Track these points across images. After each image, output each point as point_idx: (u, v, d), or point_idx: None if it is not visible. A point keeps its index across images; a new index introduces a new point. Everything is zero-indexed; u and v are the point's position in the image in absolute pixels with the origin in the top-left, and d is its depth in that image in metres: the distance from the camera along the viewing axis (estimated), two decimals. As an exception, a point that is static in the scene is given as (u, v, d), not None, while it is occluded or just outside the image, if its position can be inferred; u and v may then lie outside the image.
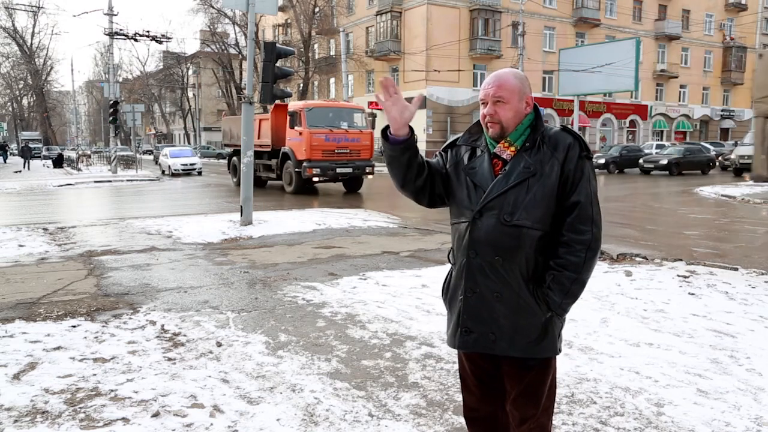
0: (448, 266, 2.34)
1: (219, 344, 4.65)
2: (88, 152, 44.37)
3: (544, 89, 43.61)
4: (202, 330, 5.00)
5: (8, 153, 46.25)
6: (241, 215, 10.82)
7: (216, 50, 49.37)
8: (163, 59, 66.54)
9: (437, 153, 2.37)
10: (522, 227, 2.05)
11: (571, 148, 2.09)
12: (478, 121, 2.25)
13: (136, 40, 30.29)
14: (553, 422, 3.34)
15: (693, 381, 3.88)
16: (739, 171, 26.30)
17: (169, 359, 4.32)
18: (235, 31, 47.17)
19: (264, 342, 4.71)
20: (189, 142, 65.89)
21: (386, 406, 3.56)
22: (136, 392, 3.72)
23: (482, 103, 2.18)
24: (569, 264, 2.06)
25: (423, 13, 39.01)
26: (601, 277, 6.81)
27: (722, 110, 55.20)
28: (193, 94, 68.29)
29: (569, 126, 2.36)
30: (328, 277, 6.95)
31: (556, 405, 3.55)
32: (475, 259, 2.10)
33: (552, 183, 2.06)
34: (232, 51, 48.30)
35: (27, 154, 37.55)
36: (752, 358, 4.28)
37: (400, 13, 40.92)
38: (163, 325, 5.11)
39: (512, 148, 2.12)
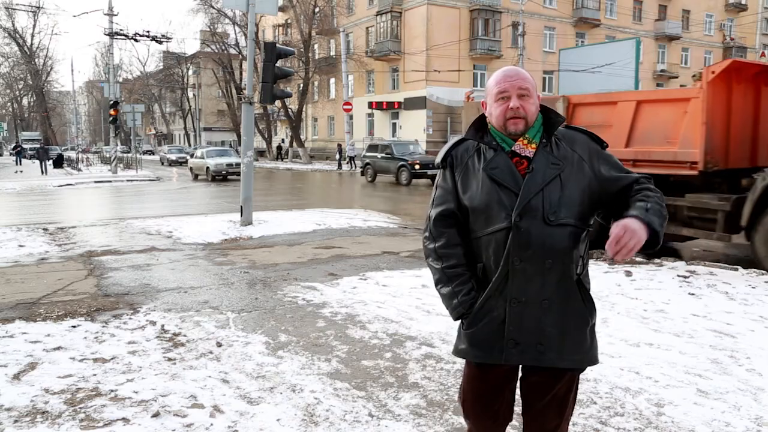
0: None
1: (219, 344, 4.65)
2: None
3: (544, 89, 43.56)
4: (202, 330, 5.00)
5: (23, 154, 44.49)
6: (241, 215, 10.82)
7: (216, 50, 49.32)
8: (163, 59, 66.54)
9: (441, 166, 2.13)
10: (568, 225, 1.95)
11: (590, 144, 2.07)
12: (480, 117, 2.14)
13: (136, 41, 30.30)
14: (554, 422, 3.34)
15: (693, 381, 3.88)
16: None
17: (169, 359, 4.32)
18: (235, 31, 47.16)
19: (264, 342, 4.71)
20: (189, 143, 65.84)
21: (386, 407, 3.56)
22: (136, 392, 3.72)
23: (502, 98, 2.01)
24: (651, 196, 1.97)
25: (423, 14, 38.98)
26: (602, 277, 6.81)
27: (722, 110, 55.10)
28: (193, 95, 68.26)
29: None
30: (328, 278, 6.95)
31: (556, 405, 3.56)
32: (520, 266, 1.94)
33: (586, 180, 2.00)
34: (233, 51, 48.25)
35: (43, 156, 35.24)
36: (752, 358, 4.28)
37: (400, 13, 40.89)
38: (163, 326, 5.11)
39: (533, 145, 2.00)
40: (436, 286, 2.13)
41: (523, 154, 2.00)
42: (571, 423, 3.31)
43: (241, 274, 7.22)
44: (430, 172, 21.86)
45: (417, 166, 22.07)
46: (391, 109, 41.63)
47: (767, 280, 6.59)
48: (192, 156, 29.62)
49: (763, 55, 54.16)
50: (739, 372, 4.04)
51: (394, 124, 42.25)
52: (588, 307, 2.06)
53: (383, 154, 23.90)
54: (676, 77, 50.49)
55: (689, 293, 6.10)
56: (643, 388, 3.79)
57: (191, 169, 29.36)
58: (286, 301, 5.93)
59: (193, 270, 7.45)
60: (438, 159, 2.13)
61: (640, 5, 48.86)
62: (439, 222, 2.10)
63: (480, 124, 2.13)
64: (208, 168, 26.70)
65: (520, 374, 2.18)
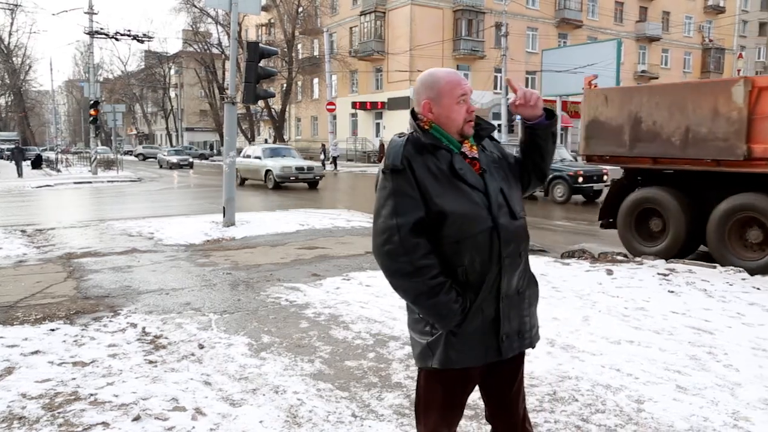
0: None
1: (201, 346, 4.61)
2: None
3: (526, 89, 43.78)
4: (184, 332, 4.96)
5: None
6: (224, 216, 10.76)
7: (198, 50, 49.04)
8: (144, 59, 65.99)
9: (398, 170, 1.95)
10: (523, 217, 2.09)
11: (492, 142, 2.19)
12: (414, 119, 2.08)
13: (117, 40, 30.00)
14: (537, 421, 3.37)
15: (672, 377, 3.93)
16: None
17: (151, 362, 4.28)
18: (217, 30, 46.87)
19: (247, 344, 4.68)
20: (171, 143, 65.34)
21: (369, 407, 3.56)
22: (117, 396, 3.68)
23: (463, 100, 2.03)
24: None
25: (407, 14, 39.05)
26: (583, 275, 6.87)
27: (702, 110, 55.82)
28: (176, 94, 67.75)
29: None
30: (311, 278, 6.93)
31: (538, 403, 3.60)
32: (507, 261, 1.99)
33: (513, 172, 2.15)
34: (215, 51, 47.98)
35: (19, 157, 31.55)
36: (729, 354, 4.34)
37: (384, 13, 40.93)
38: (144, 328, 5.06)
39: (474, 147, 2.07)
40: (415, 302, 1.97)
41: (471, 156, 2.04)
42: (553, 420, 3.35)
43: (223, 275, 7.17)
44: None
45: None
46: (375, 109, 41.66)
47: (744, 278, 6.69)
48: (250, 156, 23.16)
49: (740, 56, 55.04)
50: (717, 368, 4.09)
51: (377, 125, 42.29)
52: (537, 288, 2.22)
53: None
54: (657, 78, 51.02)
55: (669, 291, 6.17)
56: (623, 384, 3.82)
57: (239, 172, 21.92)
58: (269, 302, 5.91)
59: (175, 271, 7.39)
60: (395, 162, 1.95)
61: (621, 7, 49.35)
62: (412, 232, 1.92)
63: (416, 124, 2.06)
64: (268, 172, 20.89)
65: (485, 369, 2.16)
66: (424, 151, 1.98)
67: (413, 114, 2.09)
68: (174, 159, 40.85)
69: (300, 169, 20.81)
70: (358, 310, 5.52)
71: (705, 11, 54.91)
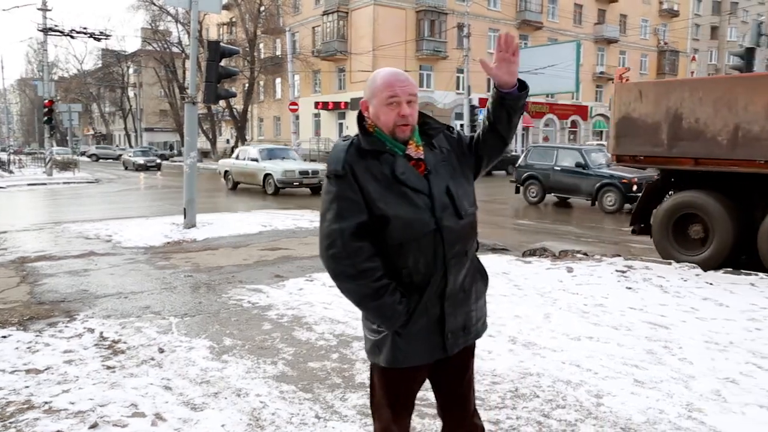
0: None
1: (161, 350, 4.53)
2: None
3: (488, 90, 43.73)
4: (143, 336, 4.87)
5: None
6: (185, 218, 10.59)
7: (158, 49, 48.07)
8: (101, 57, 64.35)
9: (341, 175, 1.96)
10: (471, 214, 2.08)
11: (447, 137, 2.15)
12: (359, 118, 2.08)
13: (72, 37, 29.18)
14: (499, 417, 3.41)
15: (630, 372, 4.02)
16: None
17: (109, 368, 4.18)
18: (177, 29, 45.98)
19: (208, 347, 4.62)
20: (130, 144, 63.98)
21: (333, 408, 3.55)
22: (73, 403, 3.58)
23: (392, 102, 1.97)
24: None
25: (369, 14, 39.05)
26: (544, 273, 6.98)
27: (657, 111, 57.31)
28: (134, 94, 66.28)
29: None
30: (274, 280, 6.88)
31: (500, 400, 3.64)
32: (452, 262, 2.00)
33: (464, 166, 2.13)
34: (175, 50, 47.11)
35: None
36: (684, 347, 4.47)
37: (347, 13, 40.85)
38: (101, 333, 4.95)
39: (420, 148, 2.03)
40: (360, 304, 2.01)
41: (416, 157, 2.01)
42: (515, 417, 3.39)
43: (184, 277, 7.06)
44: None
45: None
46: (338, 109, 41.56)
47: (698, 273, 6.89)
48: (233, 156, 21.41)
49: (693, 59, 56.61)
50: (672, 361, 4.21)
51: (341, 125, 42.19)
52: (485, 281, 2.23)
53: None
54: (614, 79, 52.14)
55: (627, 287, 6.32)
56: (583, 380, 3.90)
57: (225, 173, 21.54)
58: (231, 305, 5.84)
59: (134, 274, 7.24)
60: (335, 167, 1.96)
61: (580, 9, 50.29)
62: (354, 236, 1.93)
63: (361, 126, 2.07)
64: (268, 176, 18.88)
65: (433, 366, 2.18)
66: (367, 156, 1.98)
67: (360, 115, 2.09)
68: (140, 160, 38.65)
69: (304, 173, 18.80)
70: (321, 311, 5.50)
71: (660, 15, 56.38)
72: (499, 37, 2.08)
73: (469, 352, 2.21)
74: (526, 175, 16.18)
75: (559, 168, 15.34)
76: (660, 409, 3.47)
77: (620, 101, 8.04)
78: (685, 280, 6.58)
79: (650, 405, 3.52)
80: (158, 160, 39.44)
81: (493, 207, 15.85)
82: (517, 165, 16.86)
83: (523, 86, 2.07)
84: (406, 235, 1.95)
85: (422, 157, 2.02)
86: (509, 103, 2.07)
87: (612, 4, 52.19)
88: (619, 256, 7.94)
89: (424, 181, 1.99)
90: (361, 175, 1.95)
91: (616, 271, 7.04)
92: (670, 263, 7.42)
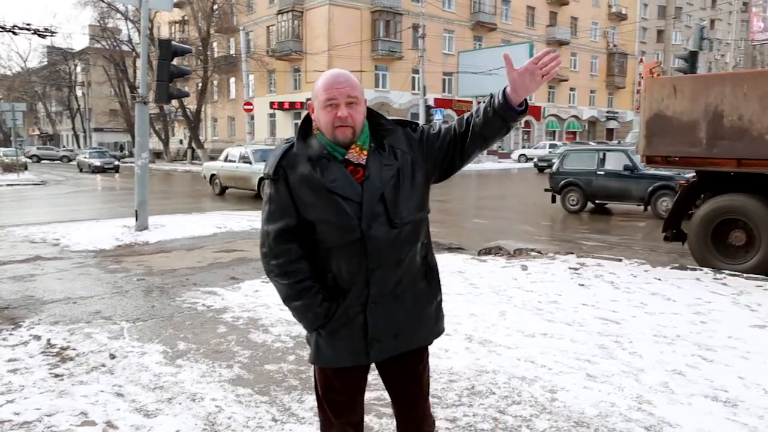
0: None
1: (112, 356, 4.41)
2: None
3: (444, 90, 44.72)
4: (93, 342, 4.73)
5: None
6: (137, 220, 10.33)
7: (107, 47, 46.81)
8: (47, 55, 62.21)
9: (274, 179, 1.99)
10: (411, 222, 2.01)
11: (404, 132, 2.08)
12: (304, 123, 2.08)
13: (14, 33, 28.04)
14: (456, 415, 3.44)
15: (583, 366, 4.11)
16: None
17: (56, 375, 4.05)
18: (127, 26, 44.87)
19: (162, 351, 4.52)
20: (78, 145, 62.12)
21: (290, 410, 3.52)
22: (18, 414, 3.45)
23: (330, 105, 1.94)
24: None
25: (324, 14, 38.93)
26: (499, 272, 7.08)
27: (607, 112, 58.91)
28: (83, 93, 64.41)
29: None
30: (229, 282, 6.78)
31: (457, 398, 3.67)
32: (378, 271, 1.97)
33: (417, 169, 2.04)
34: (125, 48, 45.98)
35: None
36: (634, 342, 4.60)
37: (302, 12, 40.62)
38: (49, 340, 4.78)
39: (364, 152, 1.98)
40: (284, 302, 2.08)
41: (357, 162, 1.97)
42: (471, 414, 3.43)
43: (136, 281, 6.89)
44: None
45: None
46: (294, 109, 41.28)
47: (647, 269, 7.10)
48: (221, 158, 19.60)
49: (641, 61, 58.32)
50: (623, 355, 4.32)
51: (296, 125, 41.70)
52: (432, 287, 2.15)
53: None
54: (566, 80, 53.36)
55: (579, 284, 6.46)
56: (538, 376, 3.97)
57: (212, 177, 19.68)
58: (185, 308, 5.73)
59: (84, 279, 7.03)
60: (269, 171, 2.00)
61: (532, 11, 51.26)
62: (279, 238, 2.00)
63: (306, 129, 2.06)
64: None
65: (379, 367, 2.21)
66: (303, 160, 1.98)
67: (308, 118, 2.09)
68: (97, 162, 36.53)
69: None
70: (277, 313, 5.45)
71: (609, 18, 57.94)
72: (546, 51, 1.97)
73: (415, 358, 2.17)
74: (564, 182, 14.43)
75: (603, 172, 13.82)
76: (611, 402, 3.56)
77: (652, 98, 7.47)
78: (634, 276, 6.77)
79: (602, 398, 3.61)
80: (116, 162, 37.66)
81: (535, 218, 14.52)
82: (552, 172, 15.01)
83: (525, 107, 2.00)
84: (331, 241, 1.97)
85: (363, 162, 1.98)
86: (509, 115, 1.99)
87: (563, 7, 53.39)
88: (572, 253, 8.11)
89: (358, 188, 1.94)
90: (294, 179, 1.97)
91: (569, 268, 7.19)
92: (620, 260, 7.62)
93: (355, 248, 1.95)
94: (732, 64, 49.90)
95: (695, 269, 7.11)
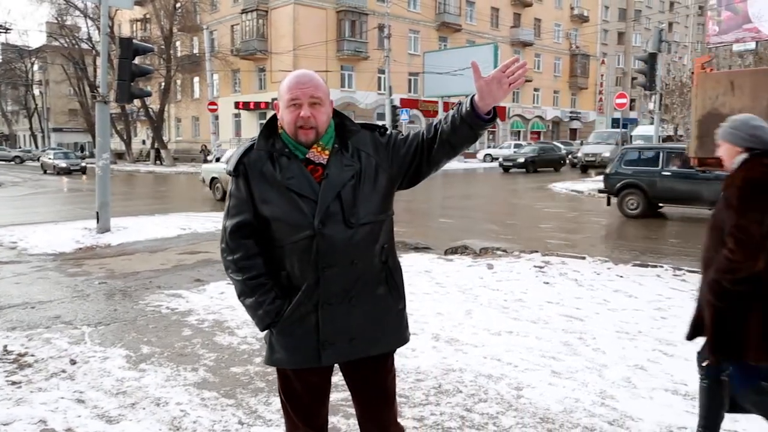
0: None
1: (73, 362, 4.31)
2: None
3: (409, 91, 44.88)
4: (53, 348, 4.61)
5: None
6: (98, 222, 10.11)
7: (65, 45, 45.65)
8: (2, 52, 60.38)
9: (234, 175, 2.02)
10: (368, 223, 1.99)
11: (371, 136, 2.09)
12: (269, 122, 2.09)
13: (-32, 31, 27.21)
14: (423, 414, 3.46)
15: (548, 363, 4.17)
16: (585, 168, 28.70)
17: (14, 383, 3.93)
18: (87, 24, 43.75)
19: (124, 356, 4.43)
20: (36, 145, 60.48)
21: (257, 413, 3.49)
22: (-26, 422, 3.35)
23: (293, 105, 1.95)
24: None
25: (290, 13, 38.68)
26: (465, 271, 7.13)
27: (571, 112, 59.92)
28: (40, 92, 62.73)
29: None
30: (194, 284, 6.69)
31: (424, 397, 3.69)
32: (329, 271, 1.95)
33: (380, 172, 2.03)
34: (85, 46, 44.84)
35: None
36: (597, 338, 4.68)
37: (266, 11, 40.27)
38: (5, 346, 4.64)
39: (326, 152, 1.99)
40: (239, 297, 2.08)
41: (317, 161, 1.98)
42: (439, 413, 3.44)
43: (97, 284, 6.74)
44: None
45: None
46: (259, 109, 40.91)
47: (609, 267, 7.24)
48: (224, 159, 17.59)
49: (603, 63, 59.49)
50: (587, 352, 4.40)
51: (262, 125, 41.50)
52: (393, 293, 2.11)
53: None
54: (531, 81, 54.06)
55: (544, 282, 6.55)
56: (504, 373, 4.01)
57: (212, 181, 17.25)
58: (149, 311, 5.63)
59: (42, 283, 6.85)
60: (230, 167, 2.03)
61: (497, 12, 51.80)
62: (236, 233, 2.03)
63: (271, 128, 2.08)
64: None
65: (342, 372, 2.19)
66: (264, 157, 2.01)
67: (274, 116, 2.09)
68: (63, 163, 35.02)
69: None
70: (243, 315, 5.37)
71: (572, 19, 58.94)
72: (514, 59, 1.98)
73: (378, 365, 2.13)
74: (623, 183, 13.09)
75: (669, 172, 12.51)
76: (576, 398, 3.62)
77: (705, 95, 6.92)
78: (598, 274, 6.90)
79: (567, 394, 3.67)
80: (83, 163, 36.03)
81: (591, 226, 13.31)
82: (608, 172, 13.74)
83: (493, 116, 2.01)
84: (285, 238, 1.98)
85: (323, 161, 1.98)
86: (478, 123, 1.98)
87: (527, 9, 54.09)
88: (537, 252, 8.23)
89: (316, 186, 1.95)
90: (253, 176, 2.00)
91: (534, 266, 7.29)
92: (584, 258, 7.76)
93: (307, 246, 1.94)
94: (689, 66, 51.17)
95: (656, 266, 7.28)
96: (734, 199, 2.56)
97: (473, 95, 1.97)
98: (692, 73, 9.99)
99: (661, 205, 13.23)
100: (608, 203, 13.63)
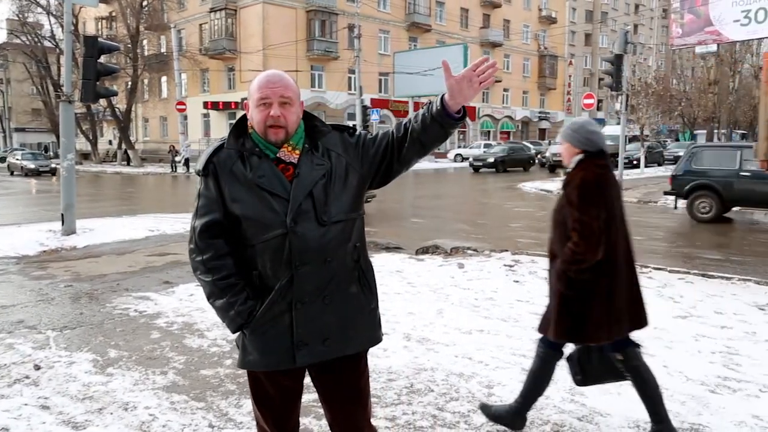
0: None
1: (37, 367, 4.21)
2: None
3: (380, 91, 44.91)
4: (16, 353, 4.50)
5: None
6: (63, 224, 9.90)
7: (28, 42, 44.51)
8: (-40, 50, 58.68)
9: (203, 174, 2.01)
10: (340, 221, 1.99)
11: (340, 137, 2.09)
12: (240, 121, 2.08)
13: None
14: (395, 414, 3.46)
15: (518, 362, 4.21)
16: (553, 167, 29.08)
17: (-25, 389, 3.83)
18: (50, 21, 42.67)
19: (91, 360, 4.35)
20: (-2, 145, 58.85)
21: (227, 415, 3.46)
22: (-67, 431, 3.25)
23: (263, 104, 1.95)
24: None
25: (259, 12, 38.37)
26: (436, 270, 7.17)
27: (539, 112, 60.63)
28: (1, 91, 61.08)
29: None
30: (162, 286, 6.59)
31: (396, 397, 3.69)
32: (303, 269, 1.94)
33: (351, 172, 2.04)
34: (48, 44, 43.75)
35: None
36: (567, 336, 4.74)
37: (235, 10, 39.89)
38: (-33, 352, 4.52)
39: (296, 151, 1.99)
40: (208, 299, 2.05)
41: (288, 161, 1.98)
42: (411, 412, 3.45)
43: (63, 288, 6.60)
44: None
45: None
46: (228, 109, 40.49)
47: (578, 265, 7.34)
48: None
49: (570, 63, 60.35)
50: (557, 349, 4.45)
51: (231, 125, 41.07)
52: (365, 292, 2.10)
53: None
54: (500, 81, 54.56)
55: (514, 281, 6.62)
56: (475, 372, 4.04)
57: None
58: (116, 314, 5.53)
59: (5, 287, 6.68)
60: (199, 166, 2.02)
61: (466, 13, 52.13)
62: (205, 233, 2.00)
63: (241, 127, 2.07)
64: None
65: (312, 374, 2.17)
66: (234, 156, 2.00)
67: (244, 116, 2.08)
68: (31, 165, 33.83)
69: None
70: (213, 317, 5.32)
71: (540, 21, 59.64)
72: (484, 58, 2.01)
73: (349, 366, 2.11)
74: (694, 184, 12.20)
75: (748, 173, 11.51)
76: (546, 395, 3.65)
77: None
78: (566, 272, 6.99)
79: (537, 391, 3.71)
80: (53, 164, 34.41)
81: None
82: (676, 173, 12.81)
83: (463, 114, 2.03)
84: (256, 237, 1.96)
85: (294, 161, 1.98)
86: (444, 121, 1.99)
87: (496, 10, 54.56)
88: (507, 251, 8.31)
89: (287, 185, 1.95)
90: (223, 175, 1.98)
91: (505, 265, 7.36)
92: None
93: (279, 245, 1.93)
94: (654, 68, 52.27)
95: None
96: (574, 198, 2.88)
97: (443, 94, 1.98)
98: (760, 68, 8.85)
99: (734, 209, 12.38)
100: (675, 206, 12.83)
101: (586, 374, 3.13)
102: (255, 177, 1.95)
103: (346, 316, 2.04)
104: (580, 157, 3.01)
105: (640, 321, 3.10)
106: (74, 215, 10.05)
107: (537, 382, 3.23)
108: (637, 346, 3.15)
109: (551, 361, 3.21)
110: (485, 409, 3.35)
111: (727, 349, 4.47)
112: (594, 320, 2.92)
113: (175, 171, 33.57)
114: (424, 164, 38.57)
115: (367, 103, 36.88)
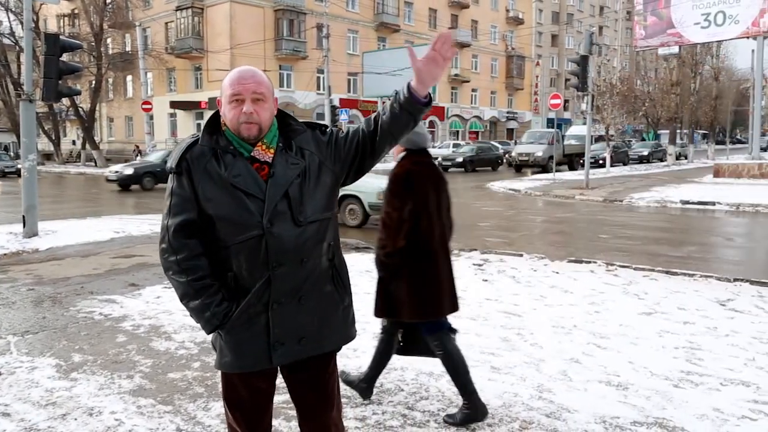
0: None
1: (-3, 373, 4.10)
2: None
3: (349, 91, 44.86)
4: (-25, 359, 4.37)
5: None
6: (24, 226, 9.65)
7: (-15, 40, 43.27)
8: None
9: (176, 173, 1.96)
10: (316, 221, 1.99)
11: (313, 135, 2.07)
12: (213, 119, 2.04)
13: None
14: (365, 414, 3.46)
15: (487, 360, 4.25)
16: (519, 167, 29.41)
17: (-68, 397, 3.71)
18: (9, 18, 41.39)
19: (54, 365, 4.25)
20: (-44, 145, 56.96)
21: (196, 419, 3.41)
22: None
23: (236, 100, 1.93)
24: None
25: (226, 11, 37.99)
26: (407, 269, 7.17)
27: (507, 112, 61.29)
28: (-41, 90, 59.23)
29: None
30: (128, 288, 6.47)
31: (367, 397, 3.68)
32: (280, 269, 1.93)
33: (324, 171, 2.03)
34: (6, 41, 42.57)
35: None
36: (535, 333, 4.81)
37: (202, 9, 39.41)
38: (-77, 359, 4.37)
39: (271, 150, 1.97)
40: (181, 300, 2.01)
41: (263, 160, 1.96)
42: (381, 412, 3.45)
43: (25, 291, 6.43)
44: None
45: None
46: (196, 109, 40.00)
47: (546, 264, 7.44)
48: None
49: (538, 64, 61.10)
50: (525, 347, 4.51)
51: (199, 125, 40.61)
52: (339, 291, 2.11)
53: None
54: (468, 81, 55.00)
55: (483, 280, 6.67)
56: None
57: None
58: (81, 318, 5.41)
59: (-37, 291, 6.48)
60: (172, 164, 1.97)
61: (434, 13, 52.40)
62: (179, 233, 1.95)
63: (214, 124, 2.03)
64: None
65: (284, 374, 2.17)
66: (208, 154, 1.96)
67: (217, 113, 2.05)
68: None
69: None
70: (181, 319, 5.26)
71: (507, 21, 60.28)
72: (439, 35, 1.94)
73: (321, 364, 2.12)
74: None
75: None
76: (515, 392, 3.71)
77: None
78: (534, 271, 7.08)
79: (506, 389, 3.75)
80: (18, 165, 34.03)
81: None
82: None
83: (430, 99, 1.99)
84: (231, 238, 1.93)
85: (269, 160, 1.96)
86: (416, 108, 1.97)
87: (464, 10, 54.96)
88: (476, 250, 8.37)
89: (262, 184, 1.92)
90: (197, 173, 1.94)
91: (473, 264, 7.42)
92: (521, 255, 7.95)
93: (255, 246, 1.91)
94: (618, 68, 53.21)
95: (590, 262, 7.53)
96: (387, 191, 3.25)
97: (409, 82, 1.97)
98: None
99: None
100: None
101: (405, 346, 3.52)
102: (230, 176, 1.91)
103: (322, 315, 2.05)
104: (402, 154, 3.32)
105: (455, 305, 3.46)
106: (36, 217, 9.81)
107: (381, 357, 3.57)
108: (454, 332, 3.50)
109: (390, 340, 3.54)
110: (342, 374, 3.57)
111: (690, 345, 4.58)
112: (405, 300, 3.23)
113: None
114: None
115: (336, 103, 36.86)
